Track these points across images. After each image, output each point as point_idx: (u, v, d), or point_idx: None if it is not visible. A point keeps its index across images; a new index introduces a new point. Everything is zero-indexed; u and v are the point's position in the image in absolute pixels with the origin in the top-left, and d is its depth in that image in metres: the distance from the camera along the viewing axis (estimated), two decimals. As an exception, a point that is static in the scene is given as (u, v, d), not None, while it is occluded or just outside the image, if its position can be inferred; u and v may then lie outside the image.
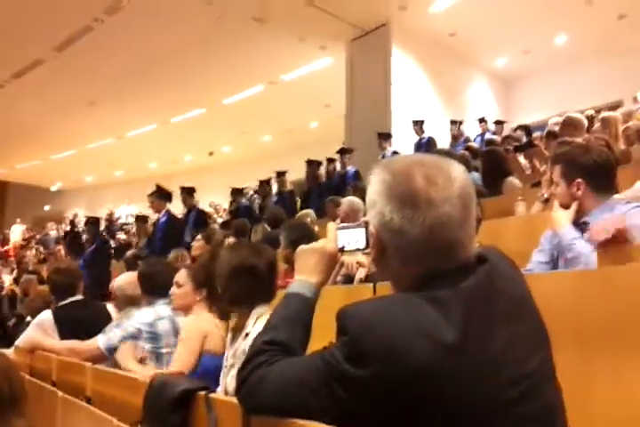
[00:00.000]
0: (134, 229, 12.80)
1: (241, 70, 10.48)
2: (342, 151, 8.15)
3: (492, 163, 4.68)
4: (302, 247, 1.18)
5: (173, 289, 2.52)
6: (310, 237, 3.16)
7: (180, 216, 7.36)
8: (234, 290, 1.83)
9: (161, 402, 1.35)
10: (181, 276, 2.53)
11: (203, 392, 1.27)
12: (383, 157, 8.08)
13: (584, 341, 1.45)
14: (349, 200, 4.99)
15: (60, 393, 1.90)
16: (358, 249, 1.23)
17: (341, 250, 1.21)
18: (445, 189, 0.89)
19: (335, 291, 2.33)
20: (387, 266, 0.96)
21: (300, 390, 0.88)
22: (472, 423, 0.80)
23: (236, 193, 8.70)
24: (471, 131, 9.18)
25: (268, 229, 6.05)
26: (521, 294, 0.94)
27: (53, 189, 19.36)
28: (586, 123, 4.59)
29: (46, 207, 18.74)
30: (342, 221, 4.45)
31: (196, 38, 9.22)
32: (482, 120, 9.09)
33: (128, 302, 3.17)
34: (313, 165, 7.97)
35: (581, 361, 1.42)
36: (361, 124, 9.50)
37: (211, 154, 15.94)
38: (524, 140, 7.38)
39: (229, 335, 1.93)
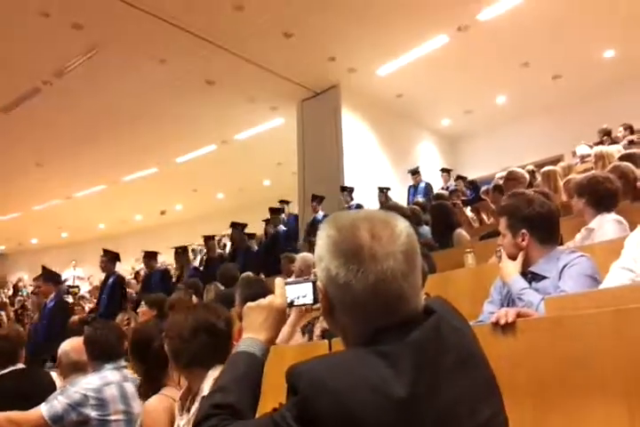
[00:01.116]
0: (82, 292, 12.35)
1: (194, 130, 10.60)
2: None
3: (441, 216, 4.82)
4: (249, 304, 1.17)
5: None
6: (266, 293, 3.10)
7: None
8: (192, 351, 1.75)
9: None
10: None
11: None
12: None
13: (537, 391, 1.44)
14: (303, 256, 5.01)
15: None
16: (306, 304, 1.22)
17: (290, 305, 1.19)
18: (389, 244, 0.90)
19: (289, 349, 2.27)
20: (335, 321, 0.95)
21: None
22: None
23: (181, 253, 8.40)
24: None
25: (222, 287, 5.93)
26: (469, 346, 0.94)
27: (-4, 252, 18.55)
28: (528, 177, 4.81)
29: (-13, 271, 17.85)
30: (297, 277, 4.43)
31: (148, 98, 9.32)
32: (415, 172, 9.52)
33: (73, 369, 2.99)
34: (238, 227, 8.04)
35: (536, 412, 1.41)
36: (314, 181, 9.66)
37: (163, 213, 15.75)
38: (469, 193, 7.67)
39: (177, 405, 1.83)
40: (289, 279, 1.21)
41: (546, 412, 1.41)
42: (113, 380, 2.55)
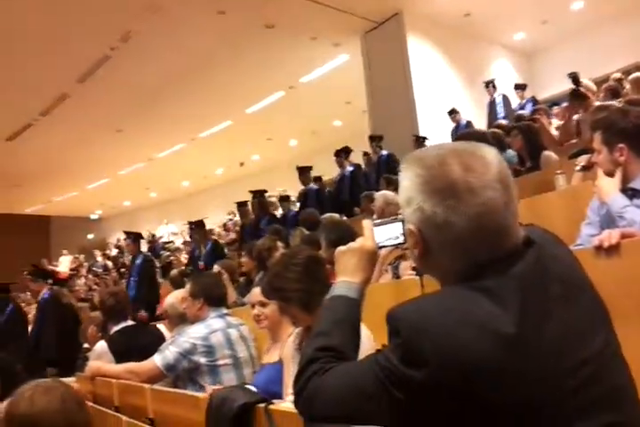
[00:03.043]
0: (177, 245, 13.11)
1: (260, 78, 10.55)
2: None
3: (528, 138, 4.56)
4: (340, 248, 1.17)
5: (260, 310, 2.41)
6: (350, 236, 3.12)
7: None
8: (314, 294, 1.75)
9: (222, 418, 1.34)
10: (258, 294, 2.42)
11: (262, 405, 1.26)
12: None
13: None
14: (383, 194, 4.94)
15: (125, 418, 1.92)
16: (396, 244, 1.20)
17: (380, 246, 1.18)
18: (484, 174, 0.86)
19: (381, 287, 2.29)
20: (431, 262, 0.93)
21: (357, 397, 0.86)
22: (537, 415, 0.76)
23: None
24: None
25: (306, 232, 6.05)
26: (573, 273, 0.90)
27: (94, 217, 19.90)
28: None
29: (89, 236, 19.26)
30: (378, 217, 4.41)
31: (211, 52, 9.32)
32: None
33: (181, 319, 3.22)
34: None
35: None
36: (385, 117, 9.42)
37: (241, 164, 16.09)
38: (554, 107, 7.18)
39: (296, 340, 1.89)
40: (377, 220, 1.20)
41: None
42: (217, 327, 2.69)
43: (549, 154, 4.41)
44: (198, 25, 8.47)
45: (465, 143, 0.95)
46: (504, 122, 7.33)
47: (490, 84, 8.97)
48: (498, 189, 0.86)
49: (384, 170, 7.89)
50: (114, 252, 15.68)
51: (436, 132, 8.57)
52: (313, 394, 0.94)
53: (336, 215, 6.25)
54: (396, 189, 6.69)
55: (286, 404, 1.64)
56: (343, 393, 0.89)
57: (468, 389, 0.75)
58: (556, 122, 6.21)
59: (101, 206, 19.00)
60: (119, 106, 10.72)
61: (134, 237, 6.89)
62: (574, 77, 6.04)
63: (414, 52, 9.41)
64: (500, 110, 8.77)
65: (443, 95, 9.34)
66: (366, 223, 1.18)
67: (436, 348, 0.77)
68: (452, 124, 8.57)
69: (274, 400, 1.39)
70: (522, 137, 4.56)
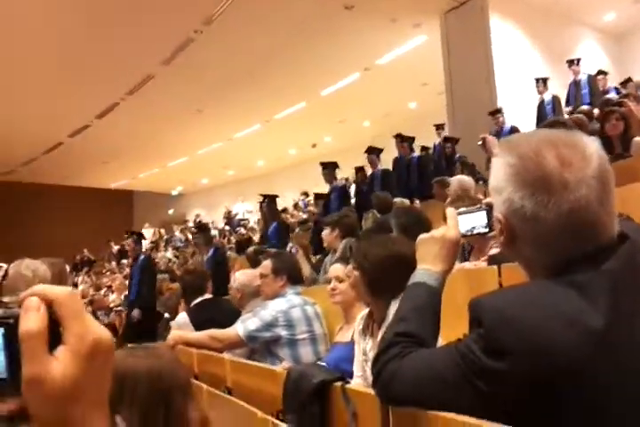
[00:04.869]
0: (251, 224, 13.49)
1: (336, 60, 10.51)
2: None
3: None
4: (422, 236, 1.16)
5: (336, 284, 2.46)
6: (421, 221, 3.11)
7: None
8: (387, 280, 1.76)
9: (300, 393, 1.40)
10: (340, 270, 2.46)
11: (339, 383, 1.31)
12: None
13: None
14: (458, 180, 4.83)
15: (205, 386, 2.03)
16: (480, 233, 1.20)
17: (463, 235, 1.18)
18: (580, 169, 0.83)
19: (457, 274, 2.27)
20: (518, 252, 0.92)
21: (436, 384, 0.88)
22: (621, 414, 0.75)
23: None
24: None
25: (378, 215, 6.04)
26: None
27: (174, 193, 20.73)
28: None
29: (170, 211, 20.13)
30: (452, 202, 4.33)
31: (290, 34, 9.36)
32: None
33: (252, 295, 3.36)
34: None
35: None
36: (463, 98, 9.16)
37: (314, 146, 16.20)
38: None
39: (361, 324, 1.94)
40: (461, 209, 1.19)
41: None
42: (296, 303, 2.80)
43: (640, 141, 4.17)
44: (279, 7, 8.51)
45: (564, 133, 0.91)
46: (585, 107, 6.96)
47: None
48: (593, 186, 0.83)
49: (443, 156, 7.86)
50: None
51: (517, 115, 8.25)
52: (391, 377, 0.96)
53: (406, 201, 6.23)
54: (470, 174, 6.56)
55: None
56: (422, 379, 0.91)
57: (551, 381, 0.76)
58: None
59: (181, 183, 19.75)
60: (200, 87, 11.02)
61: (136, 238, 7.04)
62: None
63: (496, 33, 9.03)
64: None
65: (525, 78, 8.94)
66: (450, 212, 1.16)
67: (521, 340, 0.77)
68: (533, 110, 8.19)
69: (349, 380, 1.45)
70: (624, 122, 4.32)
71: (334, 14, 8.85)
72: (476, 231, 1.18)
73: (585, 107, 7.16)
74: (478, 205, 1.18)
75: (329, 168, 7.33)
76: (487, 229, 1.15)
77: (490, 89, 8.79)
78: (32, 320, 0.41)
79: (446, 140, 8.38)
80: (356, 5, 8.72)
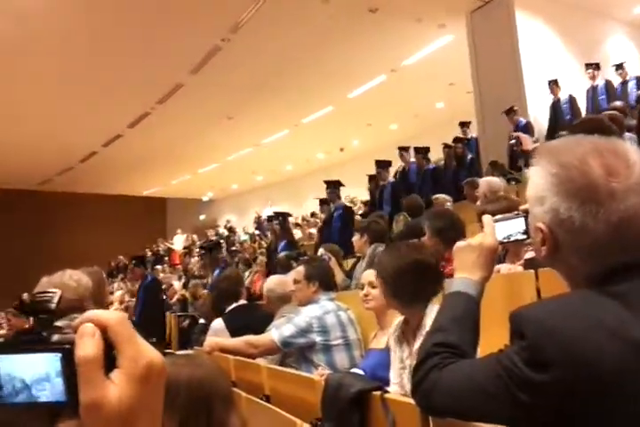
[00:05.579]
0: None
1: (362, 63, 10.50)
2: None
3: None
4: (459, 244, 1.16)
5: (369, 290, 2.45)
6: (456, 225, 3.09)
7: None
8: (410, 288, 1.79)
9: (338, 402, 1.41)
10: (373, 275, 2.45)
11: (378, 392, 1.31)
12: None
13: None
14: (488, 181, 4.79)
15: (244, 394, 2.05)
16: (518, 240, 1.19)
17: (501, 243, 1.17)
18: (627, 178, 0.82)
19: (494, 279, 2.25)
20: (560, 262, 0.91)
21: (477, 395, 0.87)
22: None
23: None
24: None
25: (409, 218, 6.01)
26: None
27: (205, 199, 21.00)
28: None
29: (201, 217, 20.39)
30: (482, 203, 4.29)
31: (317, 39, 9.40)
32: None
33: (281, 301, 3.38)
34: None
35: None
36: (491, 97, 9.04)
37: (341, 150, 16.23)
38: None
39: (397, 332, 1.94)
40: (498, 216, 1.18)
41: None
42: (330, 309, 2.81)
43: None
44: (304, 13, 8.57)
45: (605, 140, 0.90)
46: (619, 103, 6.81)
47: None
48: None
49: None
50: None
51: (546, 112, 8.11)
52: (431, 387, 0.96)
53: (448, 197, 6.21)
54: (501, 174, 6.49)
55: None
56: (463, 389, 0.91)
57: (594, 392, 0.75)
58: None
59: (211, 189, 20.00)
60: (229, 94, 11.14)
61: (138, 262, 7.15)
62: None
63: (523, 30, 8.88)
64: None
65: (554, 74, 8.79)
66: (487, 219, 1.16)
67: (564, 352, 0.76)
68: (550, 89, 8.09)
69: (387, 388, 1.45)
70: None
71: (359, 18, 8.85)
72: (513, 238, 1.17)
73: (618, 103, 7.01)
74: (515, 212, 1.17)
75: (332, 187, 7.16)
76: (525, 236, 1.14)
77: (518, 87, 8.66)
78: (88, 346, 0.42)
79: (456, 140, 8.32)
80: (380, 8, 8.71)
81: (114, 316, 0.45)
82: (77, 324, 0.44)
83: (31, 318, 0.46)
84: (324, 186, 7.33)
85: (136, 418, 0.43)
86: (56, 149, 13.62)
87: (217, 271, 6.80)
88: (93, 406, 0.41)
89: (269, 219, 7.33)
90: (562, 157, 0.87)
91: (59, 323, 0.45)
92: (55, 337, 0.43)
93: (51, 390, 0.42)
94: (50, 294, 0.46)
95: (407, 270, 1.79)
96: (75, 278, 2.11)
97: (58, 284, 2.05)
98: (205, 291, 7.19)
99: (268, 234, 13.44)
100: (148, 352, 0.45)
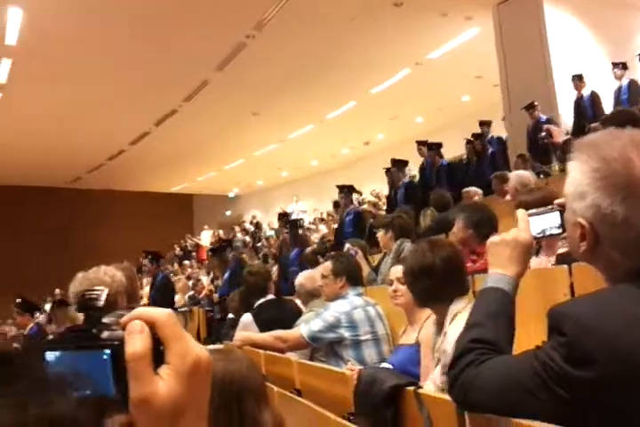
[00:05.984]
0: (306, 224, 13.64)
1: (386, 57, 10.44)
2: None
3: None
4: (493, 239, 1.15)
5: (398, 286, 2.48)
6: (492, 219, 3.05)
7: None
8: (419, 289, 1.83)
9: (372, 397, 1.42)
10: (398, 271, 2.48)
11: (411, 388, 1.31)
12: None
13: None
14: (518, 175, 4.72)
15: (276, 388, 2.07)
16: (553, 235, 1.17)
17: (535, 238, 1.16)
18: None
19: (527, 274, 2.22)
20: (600, 257, 0.91)
21: (515, 391, 0.87)
22: None
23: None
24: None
25: (436, 212, 5.97)
26: None
27: (231, 195, 21.16)
28: None
29: (227, 213, 20.56)
30: (512, 198, 4.24)
31: (340, 35, 9.38)
32: None
33: (311, 296, 3.41)
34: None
35: None
36: (519, 91, 8.90)
37: (366, 144, 16.18)
38: None
39: (432, 328, 1.94)
40: (532, 210, 1.17)
41: None
42: (358, 304, 2.82)
43: None
44: (328, 9, 8.54)
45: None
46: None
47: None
48: None
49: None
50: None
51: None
52: (468, 383, 0.96)
53: (479, 190, 6.16)
54: (531, 168, 6.39)
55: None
56: (500, 386, 0.91)
57: (635, 389, 0.75)
58: None
59: (237, 185, 20.15)
60: (255, 91, 11.19)
61: (152, 257, 7.09)
62: None
63: (552, 21, 8.70)
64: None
65: (583, 67, 8.60)
66: (521, 214, 1.14)
67: (604, 348, 0.76)
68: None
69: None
70: None
71: (384, 12, 8.78)
72: (548, 233, 1.15)
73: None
74: (550, 206, 1.15)
75: (345, 191, 7.10)
76: (560, 231, 1.13)
77: (547, 80, 8.51)
78: (138, 343, 0.43)
79: (475, 136, 8.25)
80: (405, 2, 8.64)
81: (162, 313, 0.46)
82: (126, 321, 0.45)
83: (80, 315, 0.47)
84: (349, 180, 7.33)
85: (184, 413, 0.44)
86: (86, 148, 13.89)
87: (227, 275, 6.76)
88: (143, 402, 0.42)
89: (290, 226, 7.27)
90: (601, 152, 0.86)
91: (105, 320, 0.46)
92: (105, 334, 0.45)
93: (100, 386, 0.43)
94: (97, 292, 0.47)
95: (427, 271, 1.79)
96: (109, 274, 2.16)
97: (93, 279, 2.10)
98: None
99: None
100: (196, 349, 0.46)
